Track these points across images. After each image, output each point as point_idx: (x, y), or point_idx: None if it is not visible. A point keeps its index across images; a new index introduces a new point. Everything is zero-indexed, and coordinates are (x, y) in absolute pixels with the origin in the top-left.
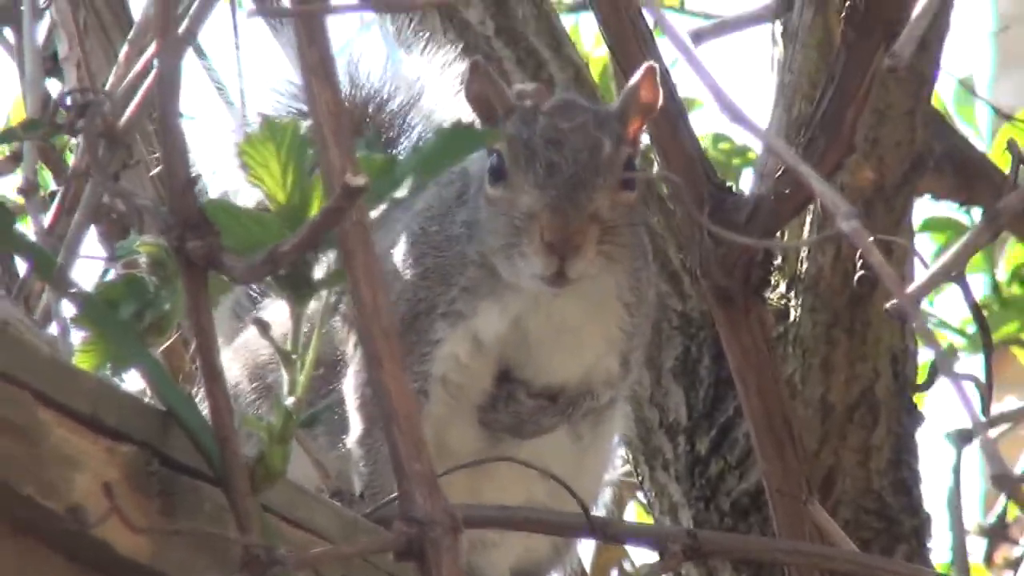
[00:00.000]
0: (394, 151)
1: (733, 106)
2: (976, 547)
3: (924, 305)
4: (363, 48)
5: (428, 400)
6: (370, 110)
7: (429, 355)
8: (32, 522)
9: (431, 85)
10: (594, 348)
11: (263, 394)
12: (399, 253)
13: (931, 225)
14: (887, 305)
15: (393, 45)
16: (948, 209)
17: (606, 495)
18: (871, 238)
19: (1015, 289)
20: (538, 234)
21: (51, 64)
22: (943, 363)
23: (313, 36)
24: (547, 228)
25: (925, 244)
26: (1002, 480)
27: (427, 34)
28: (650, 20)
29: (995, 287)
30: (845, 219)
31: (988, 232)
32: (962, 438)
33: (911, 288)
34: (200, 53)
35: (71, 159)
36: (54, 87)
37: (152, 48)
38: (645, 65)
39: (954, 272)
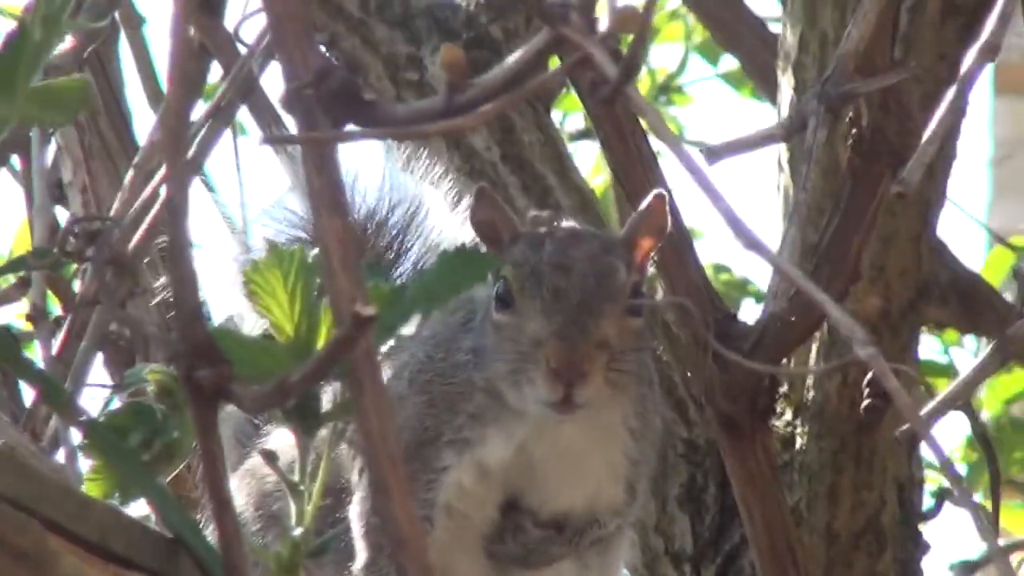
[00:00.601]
0: (393, 274)
1: (748, 232)
2: None
3: None
4: (360, 167)
5: (433, 528)
6: (369, 231)
7: (434, 483)
8: None
9: (430, 204)
10: (600, 476)
11: (269, 523)
12: (405, 380)
13: (927, 369)
14: (897, 431)
15: (390, 164)
16: (933, 351)
17: None
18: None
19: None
20: (545, 361)
21: (55, 189)
22: (957, 486)
23: (321, 163)
24: (554, 355)
25: None
26: None
27: (424, 151)
28: (654, 145)
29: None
30: (861, 346)
31: (997, 360)
32: (967, 570)
33: (924, 411)
34: (206, 184)
35: (78, 285)
36: (59, 212)
37: (158, 175)
38: (655, 192)
39: (961, 401)
